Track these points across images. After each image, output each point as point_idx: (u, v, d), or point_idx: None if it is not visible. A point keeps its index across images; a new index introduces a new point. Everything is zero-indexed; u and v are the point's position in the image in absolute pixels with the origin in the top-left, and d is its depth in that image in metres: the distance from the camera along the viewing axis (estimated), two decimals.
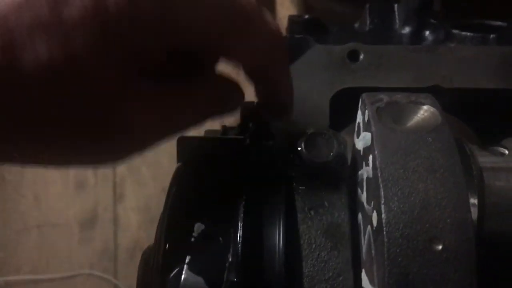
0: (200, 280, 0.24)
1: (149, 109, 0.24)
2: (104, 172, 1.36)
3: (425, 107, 0.28)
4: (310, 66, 0.39)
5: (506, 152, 0.35)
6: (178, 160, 0.33)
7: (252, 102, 0.39)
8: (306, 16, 0.54)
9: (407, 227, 0.24)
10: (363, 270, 0.28)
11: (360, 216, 0.29)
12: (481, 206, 0.31)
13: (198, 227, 0.25)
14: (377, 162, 0.25)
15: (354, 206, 0.30)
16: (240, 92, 0.30)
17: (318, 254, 0.28)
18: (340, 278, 0.28)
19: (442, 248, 0.23)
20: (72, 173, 1.36)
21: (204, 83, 0.27)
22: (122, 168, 1.36)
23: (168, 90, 0.25)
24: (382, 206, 0.24)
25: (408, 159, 0.25)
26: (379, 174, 0.25)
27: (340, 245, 0.28)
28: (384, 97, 0.29)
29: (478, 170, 0.32)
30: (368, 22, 0.54)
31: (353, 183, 0.31)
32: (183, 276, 0.24)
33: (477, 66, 0.39)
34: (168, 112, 0.25)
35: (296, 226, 0.29)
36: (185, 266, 0.24)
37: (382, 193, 0.24)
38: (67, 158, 0.23)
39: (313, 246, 0.28)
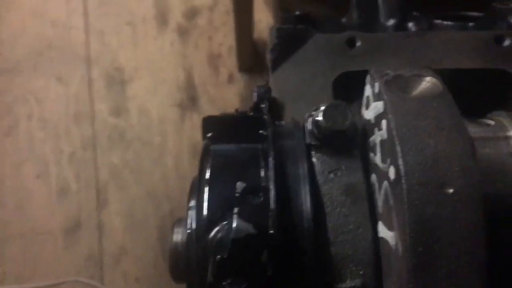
0: (250, 226, 0.27)
1: None
2: (87, 178, 1.37)
3: (427, 78, 0.32)
4: (313, 53, 0.43)
5: (493, 123, 0.40)
6: (203, 138, 0.36)
7: (264, 86, 0.42)
8: (297, 12, 0.58)
9: (422, 176, 0.28)
10: (380, 222, 0.32)
11: (374, 176, 0.33)
12: None
13: (240, 185, 0.29)
14: (391, 124, 0.29)
15: (366, 169, 0.34)
16: None
17: (340, 210, 0.32)
18: (360, 230, 0.31)
19: (453, 191, 0.27)
20: (54, 180, 1.37)
21: None
22: (104, 174, 1.38)
23: None
24: (400, 160, 0.28)
25: (417, 120, 0.29)
26: (395, 134, 0.29)
27: (358, 202, 0.32)
28: (390, 72, 0.33)
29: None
30: (354, 16, 0.59)
31: (364, 149, 0.35)
32: (235, 223, 0.27)
33: (461, 49, 0.43)
34: None
35: (318, 188, 0.32)
36: (235, 216, 0.27)
37: (399, 148, 0.28)
38: None
39: (335, 203, 0.32)
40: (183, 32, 1.44)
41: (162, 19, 1.47)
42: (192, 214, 0.33)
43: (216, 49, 1.43)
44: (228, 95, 1.42)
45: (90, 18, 1.47)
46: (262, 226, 0.27)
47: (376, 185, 0.32)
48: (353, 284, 0.30)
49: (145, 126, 1.39)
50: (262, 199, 0.28)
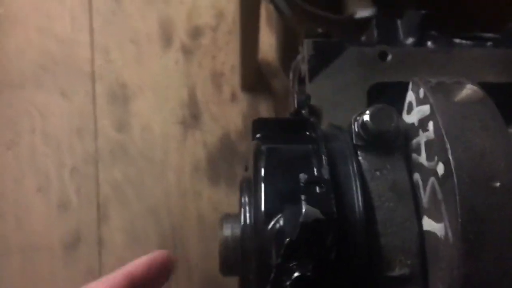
0: (317, 211, 0.29)
1: None
2: (88, 192, 1.38)
3: (468, 85, 0.35)
4: (347, 64, 0.46)
5: None
6: (253, 138, 0.39)
7: (304, 93, 0.45)
8: (319, 30, 0.61)
9: (471, 170, 0.30)
10: (424, 217, 0.34)
11: (416, 175, 0.36)
12: None
13: (303, 177, 0.31)
14: (440, 124, 0.32)
15: (409, 169, 0.36)
16: None
17: (388, 205, 0.34)
18: (407, 223, 0.34)
19: (500, 185, 0.30)
20: (55, 194, 1.37)
21: None
22: (105, 189, 1.38)
23: None
24: (450, 156, 0.31)
25: (464, 121, 0.32)
26: (444, 133, 0.32)
27: (404, 198, 0.35)
28: (432, 79, 0.36)
29: None
30: (375, 35, 0.62)
31: (406, 150, 0.37)
32: (304, 208, 0.29)
33: (486, 64, 0.47)
34: None
35: (366, 184, 0.35)
36: (303, 202, 0.29)
37: (449, 146, 0.31)
38: None
39: (382, 198, 0.35)
40: (187, 51, 1.48)
41: (166, 38, 1.50)
42: (246, 209, 0.35)
43: (219, 68, 1.46)
44: (231, 114, 1.44)
45: (95, 35, 1.50)
46: (327, 213, 0.30)
47: (420, 183, 0.35)
48: (401, 273, 0.33)
49: (147, 143, 1.41)
50: (325, 189, 0.31)
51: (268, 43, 1.44)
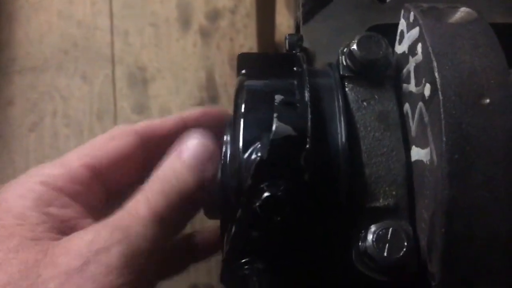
0: (289, 128, 0.28)
1: None
2: None
3: (461, 8, 0.33)
4: (344, 7, 0.44)
5: None
6: (238, 74, 0.37)
7: (296, 34, 0.43)
8: None
9: (459, 87, 0.28)
10: (413, 147, 0.32)
11: (406, 106, 0.34)
12: None
13: (278, 97, 0.29)
14: (427, 43, 0.30)
15: (399, 100, 0.34)
16: None
17: (373, 135, 0.32)
18: (394, 153, 0.32)
19: (489, 102, 0.27)
20: None
21: None
22: None
23: None
24: (436, 74, 0.28)
25: (454, 39, 0.30)
26: (431, 51, 0.29)
27: (391, 128, 0.32)
28: (424, 4, 0.34)
29: None
30: None
31: (397, 82, 0.35)
32: (274, 125, 0.28)
33: (494, 4, 0.44)
34: None
35: (351, 114, 0.33)
36: (275, 119, 0.28)
37: (435, 64, 0.29)
38: None
39: (368, 128, 0.32)
40: (205, 34, 1.47)
41: (184, 20, 1.50)
42: (226, 147, 0.34)
43: (237, 50, 1.45)
44: None
45: (115, 19, 1.50)
46: (300, 130, 0.28)
47: (409, 113, 0.33)
48: (385, 203, 0.31)
49: None
50: (300, 109, 0.29)
51: (286, 25, 1.42)
